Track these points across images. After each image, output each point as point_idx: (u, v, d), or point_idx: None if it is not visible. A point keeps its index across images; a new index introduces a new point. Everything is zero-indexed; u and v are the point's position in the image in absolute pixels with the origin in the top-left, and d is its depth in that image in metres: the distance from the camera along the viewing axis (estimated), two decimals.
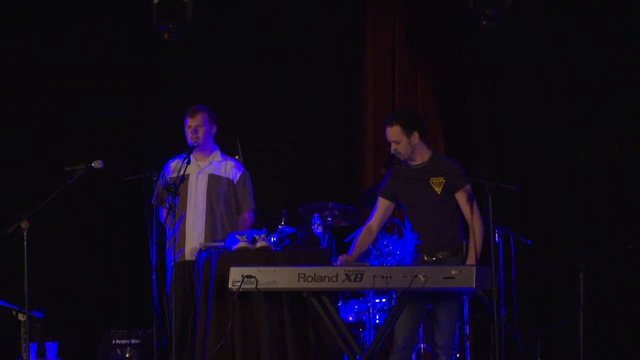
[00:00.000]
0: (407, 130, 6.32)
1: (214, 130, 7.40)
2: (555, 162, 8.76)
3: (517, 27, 8.73)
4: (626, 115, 8.64)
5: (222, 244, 6.94)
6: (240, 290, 6.27)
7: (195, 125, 7.29)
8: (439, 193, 6.29)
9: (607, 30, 8.67)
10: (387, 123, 6.37)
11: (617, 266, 8.37)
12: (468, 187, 6.33)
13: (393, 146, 6.35)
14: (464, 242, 6.41)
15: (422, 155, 6.39)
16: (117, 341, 7.80)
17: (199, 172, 7.34)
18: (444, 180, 6.29)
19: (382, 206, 6.50)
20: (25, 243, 6.71)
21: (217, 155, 7.42)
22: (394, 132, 6.33)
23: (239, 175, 7.39)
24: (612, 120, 8.67)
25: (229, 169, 7.38)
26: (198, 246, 7.05)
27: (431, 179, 6.31)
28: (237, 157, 7.58)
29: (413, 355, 7.13)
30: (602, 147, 8.66)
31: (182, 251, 7.27)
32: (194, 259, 7.03)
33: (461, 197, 6.32)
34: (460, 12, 8.57)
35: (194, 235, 7.29)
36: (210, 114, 7.38)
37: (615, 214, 8.58)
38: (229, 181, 7.36)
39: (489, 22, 8.34)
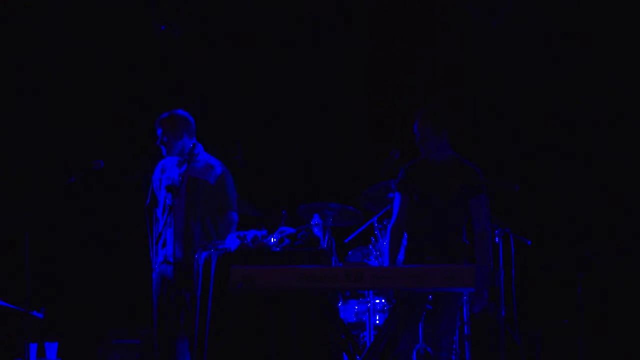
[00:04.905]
0: (437, 128, 6.30)
1: (188, 129, 7.26)
2: (555, 162, 8.77)
3: (517, 25, 8.75)
4: (626, 115, 8.64)
5: (222, 244, 6.94)
6: (240, 290, 6.27)
7: (161, 135, 7.23)
8: (453, 195, 6.27)
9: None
10: (419, 116, 6.35)
11: (616, 266, 8.37)
12: (483, 196, 6.28)
13: (420, 139, 6.32)
14: (465, 242, 6.41)
15: (444, 154, 6.37)
16: (117, 341, 7.80)
17: (179, 175, 7.27)
18: (460, 183, 6.27)
19: (404, 202, 6.43)
20: (25, 243, 6.71)
21: (197, 156, 7.29)
22: (423, 127, 6.32)
23: (217, 176, 7.27)
24: (612, 120, 8.68)
25: (208, 170, 7.26)
26: (176, 249, 7.03)
27: (447, 178, 6.30)
28: (236, 158, 7.55)
29: (413, 355, 7.12)
30: (603, 147, 8.67)
31: (165, 254, 7.25)
32: (173, 261, 7.01)
33: (474, 204, 6.28)
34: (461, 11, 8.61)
35: (173, 238, 7.24)
36: (177, 117, 7.22)
37: (615, 214, 8.59)
38: (208, 183, 7.25)
39: (490, 21, 8.36)
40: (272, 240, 7.01)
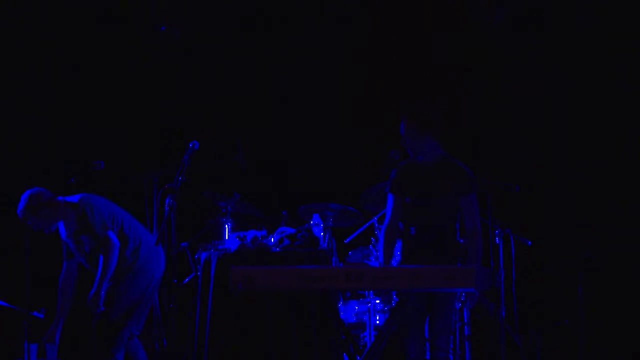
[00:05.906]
0: (422, 127, 6.27)
1: (42, 202, 6.96)
2: (556, 163, 8.77)
3: (517, 26, 8.76)
4: (627, 116, 8.65)
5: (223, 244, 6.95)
6: (240, 290, 6.27)
7: (33, 225, 6.98)
8: (444, 194, 6.27)
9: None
10: (404, 117, 6.33)
11: (617, 267, 8.37)
12: (474, 195, 6.28)
13: (408, 142, 6.32)
14: (459, 241, 6.41)
15: (434, 154, 6.36)
16: None
17: (65, 238, 7.15)
18: (451, 182, 6.27)
19: (397, 203, 6.40)
20: (25, 243, 6.71)
21: (66, 217, 7.07)
22: (409, 127, 6.30)
23: (77, 219, 7.00)
24: (612, 120, 8.68)
25: (69, 222, 7.04)
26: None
27: (437, 178, 6.29)
28: (236, 158, 7.55)
29: (427, 355, 7.11)
30: (603, 148, 8.67)
31: None
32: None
33: (465, 204, 6.28)
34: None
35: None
36: (26, 206, 6.92)
37: (616, 214, 8.59)
38: (78, 231, 7.06)
39: (490, 20, 8.37)
40: (272, 241, 7.02)
